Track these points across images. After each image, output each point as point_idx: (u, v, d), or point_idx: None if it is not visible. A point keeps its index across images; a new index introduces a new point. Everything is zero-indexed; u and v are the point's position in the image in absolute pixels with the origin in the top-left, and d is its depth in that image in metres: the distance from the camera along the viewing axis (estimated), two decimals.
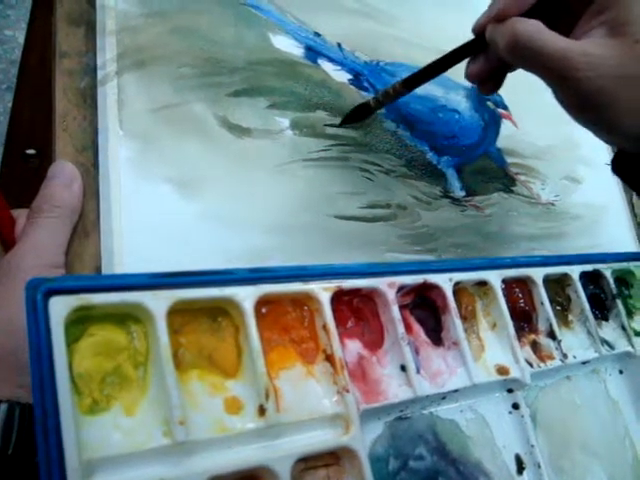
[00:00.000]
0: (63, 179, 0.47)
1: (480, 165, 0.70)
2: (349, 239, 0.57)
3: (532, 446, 0.50)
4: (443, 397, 0.48)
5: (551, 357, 0.55)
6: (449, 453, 0.47)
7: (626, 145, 0.51)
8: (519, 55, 0.49)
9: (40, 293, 0.35)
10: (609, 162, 0.56)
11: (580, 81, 0.46)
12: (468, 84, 0.70)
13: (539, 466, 0.50)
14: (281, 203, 0.55)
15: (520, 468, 0.50)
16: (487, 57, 0.53)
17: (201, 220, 0.51)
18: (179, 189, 0.51)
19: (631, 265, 0.67)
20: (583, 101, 0.48)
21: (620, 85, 0.46)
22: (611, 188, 0.80)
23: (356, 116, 0.61)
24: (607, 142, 0.56)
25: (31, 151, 0.67)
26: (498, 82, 0.56)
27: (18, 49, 1.61)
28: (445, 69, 0.56)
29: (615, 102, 0.46)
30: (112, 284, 0.38)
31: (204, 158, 0.53)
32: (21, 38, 1.61)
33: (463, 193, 0.66)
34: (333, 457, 0.42)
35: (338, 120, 0.61)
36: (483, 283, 0.54)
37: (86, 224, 0.48)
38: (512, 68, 0.54)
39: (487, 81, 0.56)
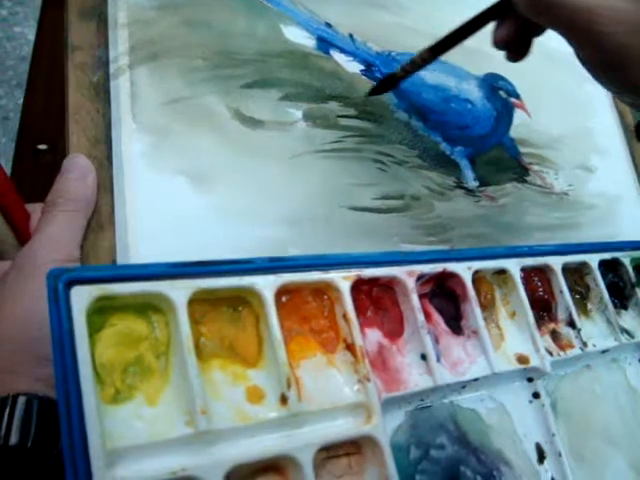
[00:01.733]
0: (77, 173, 0.47)
1: (493, 155, 0.69)
2: (363, 230, 0.57)
3: (553, 435, 0.50)
4: (463, 386, 0.48)
5: (571, 346, 0.54)
6: (470, 442, 0.47)
7: None
8: (542, 10, 0.46)
9: (62, 283, 0.35)
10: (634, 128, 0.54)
11: (605, 37, 0.44)
12: (480, 74, 0.71)
13: (560, 455, 0.49)
14: (294, 195, 0.55)
15: (541, 457, 0.50)
16: (513, 20, 0.51)
17: (215, 212, 0.51)
18: (193, 182, 0.51)
19: None
20: (608, 59, 0.45)
21: None
22: (625, 177, 0.80)
23: (383, 87, 0.61)
24: (631, 105, 0.54)
25: (43, 146, 0.68)
26: (525, 48, 0.54)
27: (27, 46, 1.61)
28: (471, 33, 0.54)
29: (637, 59, 0.44)
30: (133, 274, 0.38)
31: (217, 150, 0.53)
32: (30, 35, 1.62)
33: (477, 183, 0.66)
34: (355, 446, 0.42)
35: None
36: (502, 272, 0.53)
37: (100, 218, 0.48)
38: (539, 32, 0.52)
39: (514, 47, 0.54)
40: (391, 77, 0.60)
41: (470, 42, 0.68)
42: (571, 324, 0.55)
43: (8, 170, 0.72)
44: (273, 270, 0.42)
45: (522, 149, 0.72)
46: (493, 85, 0.71)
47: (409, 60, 0.58)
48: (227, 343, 0.41)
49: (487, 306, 0.53)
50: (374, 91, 0.61)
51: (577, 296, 0.59)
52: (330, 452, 0.41)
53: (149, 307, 0.39)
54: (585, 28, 0.45)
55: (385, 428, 0.42)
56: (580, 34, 0.46)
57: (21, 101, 0.83)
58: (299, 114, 0.58)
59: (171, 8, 0.55)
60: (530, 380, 0.52)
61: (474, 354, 0.49)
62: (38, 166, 0.69)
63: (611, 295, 0.59)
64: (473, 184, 0.66)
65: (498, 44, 0.53)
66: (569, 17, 0.45)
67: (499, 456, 0.48)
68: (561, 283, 0.56)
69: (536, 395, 0.51)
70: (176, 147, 0.51)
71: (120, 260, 0.46)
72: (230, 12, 0.58)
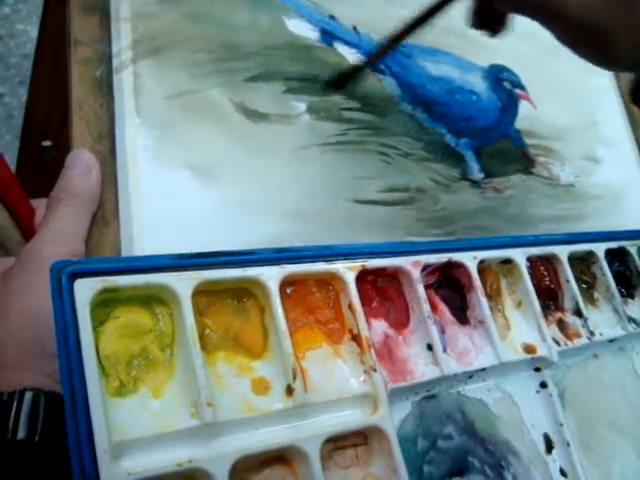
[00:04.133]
0: (81, 167, 0.47)
1: (499, 147, 0.69)
2: (368, 223, 0.57)
3: (561, 425, 0.50)
4: (470, 376, 0.48)
5: (578, 335, 0.54)
6: (478, 432, 0.47)
7: (632, 72, 0.49)
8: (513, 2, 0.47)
9: (65, 275, 0.35)
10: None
11: (572, 19, 0.44)
12: (485, 65, 0.70)
13: (568, 445, 0.49)
14: (299, 188, 0.55)
15: (549, 447, 0.49)
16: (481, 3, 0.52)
17: (220, 206, 0.51)
18: (197, 175, 0.51)
19: None
20: (579, 38, 0.46)
21: (613, 17, 0.44)
22: (631, 167, 0.79)
23: (345, 79, 0.61)
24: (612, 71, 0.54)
25: (47, 143, 0.68)
26: (502, 22, 0.54)
27: (30, 43, 1.61)
28: (429, 19, 0.55)
29: (611, 35, 0.44)
30: (136, 266, 0.38)
31: (221, 144, 0.53)
32: (33, 32, 1.61)
33: (482, 175, 0.66)
34: (361, 437, 0.42)
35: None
36: (508, 261, 0.53)
37: (105, 212, 0.48)
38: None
39: (490, 26, 0.54)
40: (354, 69, 0.60)
41: (474, 33, 0.68)
42: (578, 313, 0.55)
43: (12, 167, 0.72)
44: (278, 261, 0.42)
45: (528, 140, 0.71)
46: (498, 76, 0.70)
47: (372, 51, 0.58)
48: (232, 335, 0.41)
49: (493, 296, 0.52)
50: (336, 84, 0.61)
51: (584, 285, 0.59)
52: (337, 443, 0.41)
53: (153, 299, 0.39)
54: (550, 12, 0.45)
55: (392, 419, 0.42)
56: (547, 18, 0.46)
57: (24, 98, 0.83)
58: (303, 107, 0.58)
59: (173, 1, 0.55)
60: (537, 370, 0.51)
61: (481, 344, 0.49)
62: (42, 162, 0.69)
63: (618, 284, 0.59)
64: (478, 176, 0.66)
65: (475, 26, 0.54)
66: (540, 5, 0.46)
67: (507, 446, 0.47)
68: (567, 272, 0.56)
69: (543, 385, 0.51)
70: (180, 141, 0.51)
71: (125, 254, 0.46)
72: (233, 5, 0.58)
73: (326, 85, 0.60)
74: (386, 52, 0.58)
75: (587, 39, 0.46)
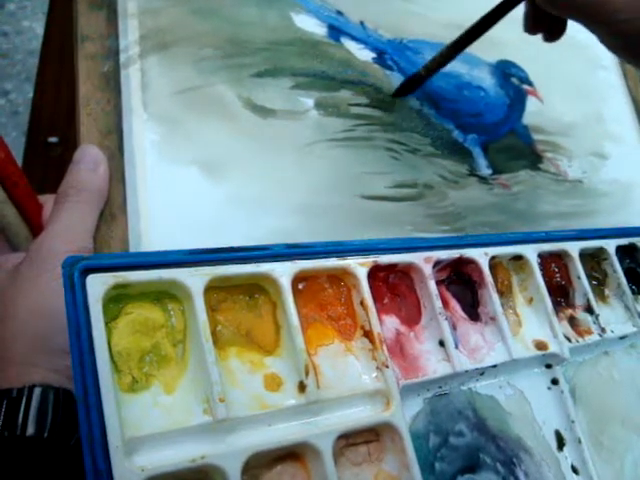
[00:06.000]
0: (88, 163, 0.47)
1: (506, 143, 0.69)
2: (376, 219, 0.57)
3: (572, 422, 0.49)
4: (482, 373, 0.47)
5: (589, 332, 0.54)
6: (489, 429, 0.46)
7: None
8: (557, 3, 0.48)
9: (77, 271, 0.35)
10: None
11: (623, 24, 0.45)
12: (492, 60, 0.70)
13: (579, 441, 0.49)
14: (307, 184, 0.55)
15: (560, 444, 0.49)
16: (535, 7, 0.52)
17: (227, 202, 0.51)
18: (205, 171, 0.51)
19: None
20: (629, 44, 0.46)
21: None
22: (638, 163, 0.79)
23: (408, 87, 0.62)
24: None
25: (53, 139, 0.67)
26: (560, 27, 0.55)
27: (35, 40, 1.61)
28: (488, 28, 0.56)
29: None
30: (148, 261, 0.38)
31: (229, 140, 0.53)
32: (38, 29, 1.62)
33: (490, 171, 0.66)
34: (374, 433, 0.42)
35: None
36: (519, 257, 0.53)
37: (113, 208, 0.47)
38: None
39: (547, 30, 0.55)
40: (415, 77, 0.61)
41: None
42: (589, 310, 0.55)
43: (19, 164, 0.72)
44: (290, 257, 0.42)
45: (535, 136, 0.71)
46: (505, 72, 0.70)
47: (432, 58, 0.59)
48: (244, 331, 0.41)
49: (504, 292, 0.52)
50: (399, 92, 0.62)
51: (594, 282, 0.58)
52: (349, 440, 0.41)
53: (165, 295, 0.39)
54: (602, 18, 0.46)
55: (404, 415, 0.42)
56: (598, 23, 0.47)
57: (30, 95, 0.83)
58: (311, 103, 0.58)
59: None
60: (549, 366, 0.51)
61: (492, 340, 0.49)
62: (49, 159, 0.69)
63: (628, 281, 0.59)
64: (486, 172, 0.65)
65: (528, 30, 0.55)
66: (585, 8, 0.46)
67: (518, 443, 0.47)
68: (578, 269, 0.55)
69: (555, 381, 0.51)
70: (187, 137, 0.51)
71: (133, 250, 0.46)
72: (240, 0, 0.58)
73: (392, 97, 0.62)
74: (445, 61, 0.59)
75: (634, 44, 0.46)
